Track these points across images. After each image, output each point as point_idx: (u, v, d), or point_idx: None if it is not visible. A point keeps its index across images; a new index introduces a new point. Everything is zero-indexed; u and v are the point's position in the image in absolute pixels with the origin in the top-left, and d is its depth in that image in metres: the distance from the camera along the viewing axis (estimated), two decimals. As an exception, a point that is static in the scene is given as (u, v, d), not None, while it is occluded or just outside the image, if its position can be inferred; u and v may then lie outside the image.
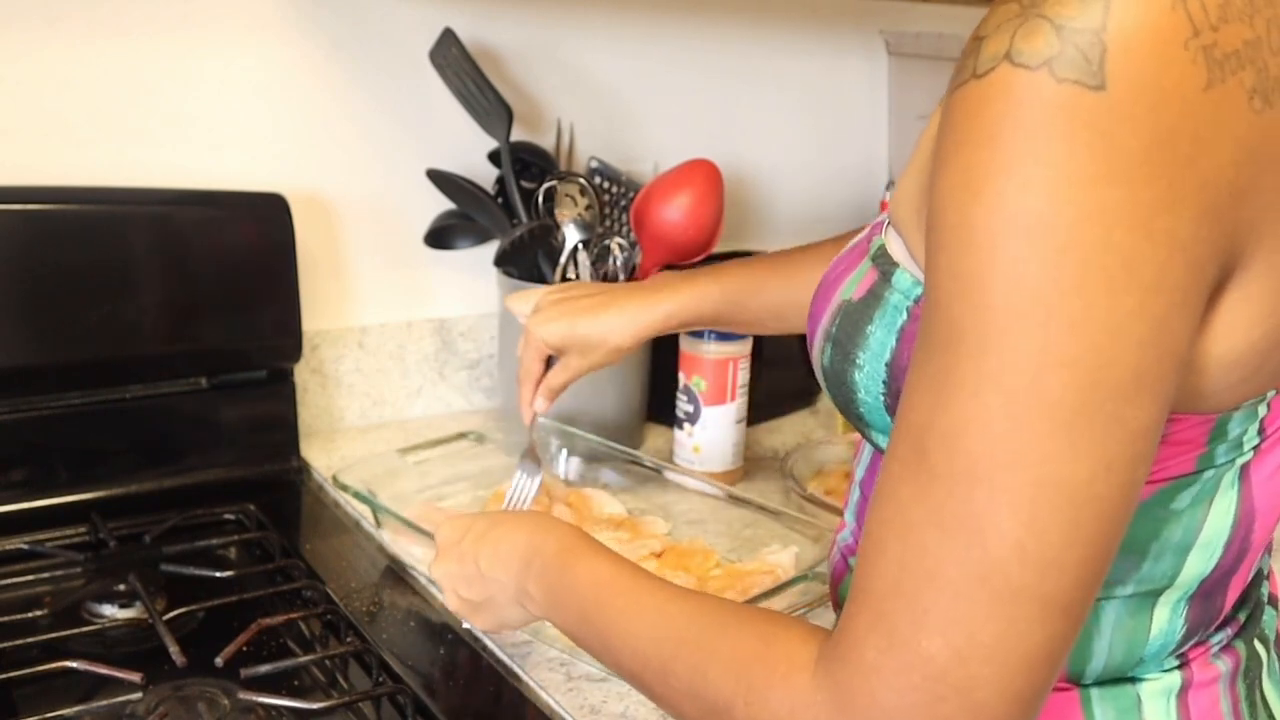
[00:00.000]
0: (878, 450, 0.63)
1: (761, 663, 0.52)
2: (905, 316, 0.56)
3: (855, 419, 0.61)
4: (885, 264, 0.58)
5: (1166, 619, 0.58)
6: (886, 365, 0.57)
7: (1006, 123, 0.43)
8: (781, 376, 1.43)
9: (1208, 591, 0.59)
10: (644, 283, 0.98)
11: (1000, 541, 0.44)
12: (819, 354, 0.62)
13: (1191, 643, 0.60)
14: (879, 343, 0.57)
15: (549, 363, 0.99)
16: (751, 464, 1.28)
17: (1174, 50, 0.42)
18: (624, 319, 0.94)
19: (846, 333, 0.59)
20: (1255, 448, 0.55)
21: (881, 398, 0.58)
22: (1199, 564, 0.57)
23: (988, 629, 0.44)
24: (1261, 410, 0.53)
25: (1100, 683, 0.59)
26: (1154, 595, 0.57)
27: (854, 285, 0.60)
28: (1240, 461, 0.55)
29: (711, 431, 1.21)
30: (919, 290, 0.55)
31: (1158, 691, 0.59)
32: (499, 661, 0.88)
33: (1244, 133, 0.44)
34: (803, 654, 0.51)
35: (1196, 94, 0.42)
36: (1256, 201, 0.45)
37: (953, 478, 0.45)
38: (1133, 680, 0.59)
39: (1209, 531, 0.56)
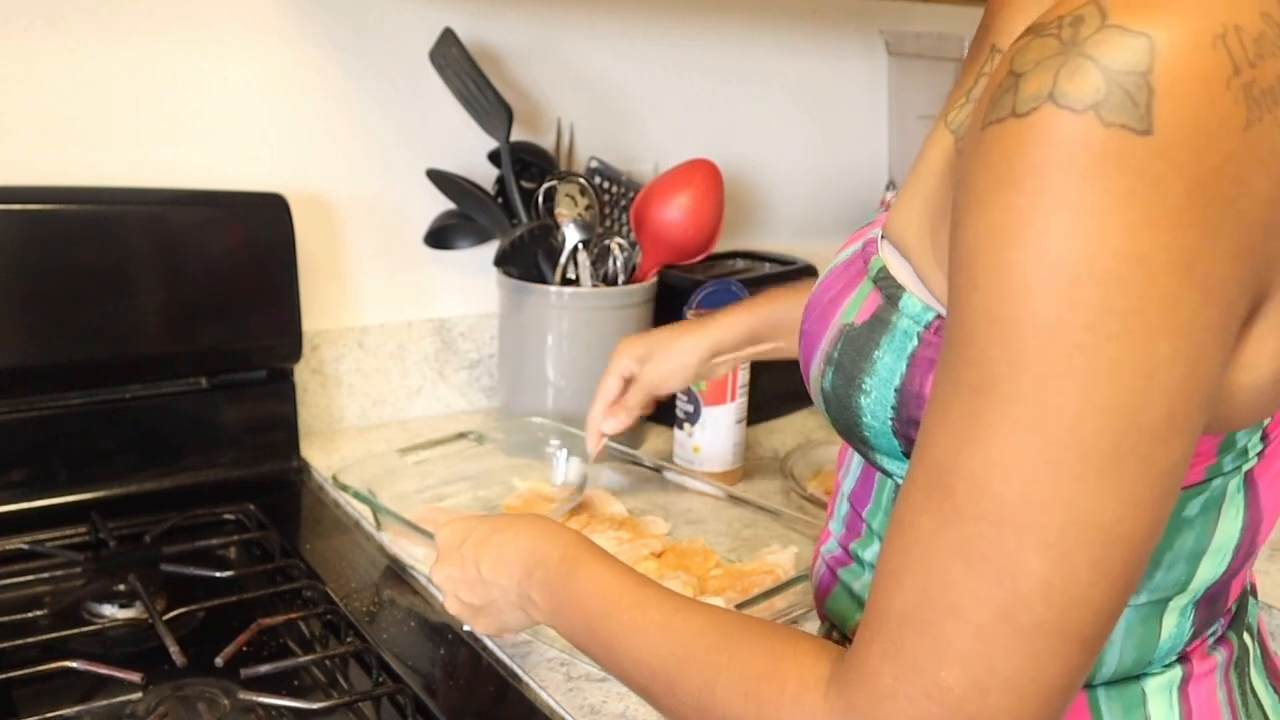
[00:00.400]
0: (880, 471, 0.63)
1: (771, 680, 0.52)
2: (916, 342, 0.55)
3: (858, 442, 0.61)
4: (890, 287, 0.58)
5: (1175, 623, 0.58)
6: (896, 391, 0.56)
7: (1051, 166, 0.42)
8: (781, 376, 1.42)
9: (1214, 594, 0.59)
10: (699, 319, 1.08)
11: (1028, 580, 0.44)
12: (818, 377, 0.62)
13: (1198, 640, 0.61)
14: (888, 368, 0.56)
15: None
16: (751, 464, 1.28)
17: (1217, 91, 0.41)
18: (691, 325, 1.05)
19: (850, 358, 0.58)
20: (1259, 453, 0.55)
21: (890, 423, 0.57)
22: (1210, 569, 0.57)
23: (1008, 662, 0.45)
24: (1266, 419, 0.54)
25: (1108, 683, 0.60)
26: (1165, 602, 0.58)
27: (855, 308, 0.59)
28: (1245, 468, 0.55)
29: (711, 431, 1.21)
30: (930, 315, 0.55)
31: (1161, 686, 0.60)
32: (499, 661, 0.88)
33: (1278, 170, 0.43)
34: (813, 673, 0.51)
35: (1238, 134, 0.42)
36: None
37: (981, 518, 0.45)
38: (1138, 677, 0.60)
39: (1220, 538, 0.56)
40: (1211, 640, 0.61)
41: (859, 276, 0.61)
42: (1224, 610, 0.61)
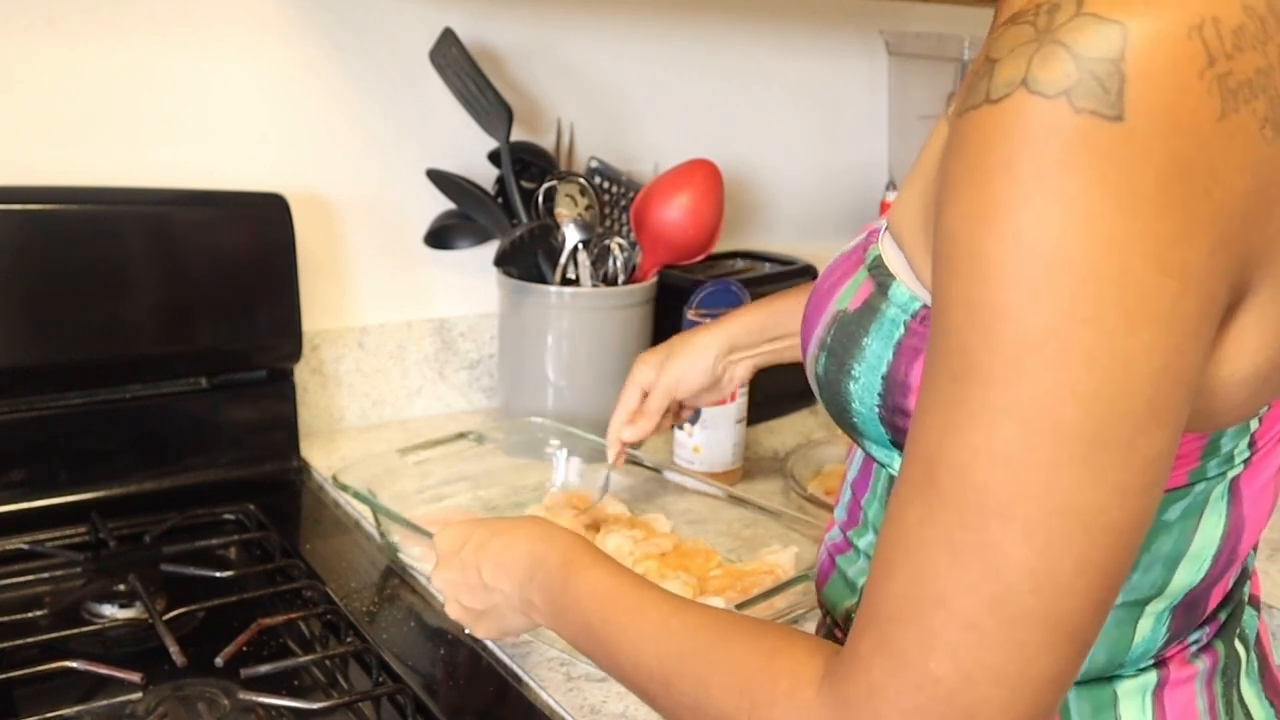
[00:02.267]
0: (873, 459, 0.63)
1: (765, 676, 0.52)
2: (902, 330, 0.56)
3: (849, 428, 0.61)
4: (882, 275, 0.58)
5: (1150, 627, 0.58)
6: (882, 378, 0.56)
7: (1023, 152, 0.42)
8: (781, 376, 1.42)
9: (1192, 601, 0.59)
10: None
11: (1013, 569, 0.44)
12: (813, 362, 0.62)
13: (1174, 645, 0.60)
14: (875, 355, 0.57)
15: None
16: (751, 464, 1.28)
17: (1191, 80, 0.42)
18: (711, 327, 1.04)
19: (841, 343, 0.59)
20: (1245, 460, 0.55)
21: (876, 410, 0.58)
22: (1187, 575, 0.57)
23: (996, 653, 0.44)
24: (1253, 425, 0.53)
25: (1079, 683, 0.60)
26: (1140, 605, 0.57)
27: (850, 295, 0.60)
28: (1230, 474, 0.55)
29: (712, 431, 1.21)
30: (917, 304, 0.55)
31: (1133, 689, 0.59)
32: (499, 661, 0.88)
33: (1254, 162, 0.43)
34: (808, 669, 0.50)
35: (1212, 124, 0.42)
36: (1266, 230, 0.45)
37: (965, 507, 0.45)
38: (1109, 679, 0.60)
39: (1199, 543, 0.56)
40: (1194, 648, 0.61)
41: (857, 265, 0.61)
42: (1202, 617, 0.60)
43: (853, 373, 0.58)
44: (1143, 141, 0.41)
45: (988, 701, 0.45)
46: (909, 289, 0.56)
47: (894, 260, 0.58)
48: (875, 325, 0.57)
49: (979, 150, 0.44)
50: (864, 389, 0.57)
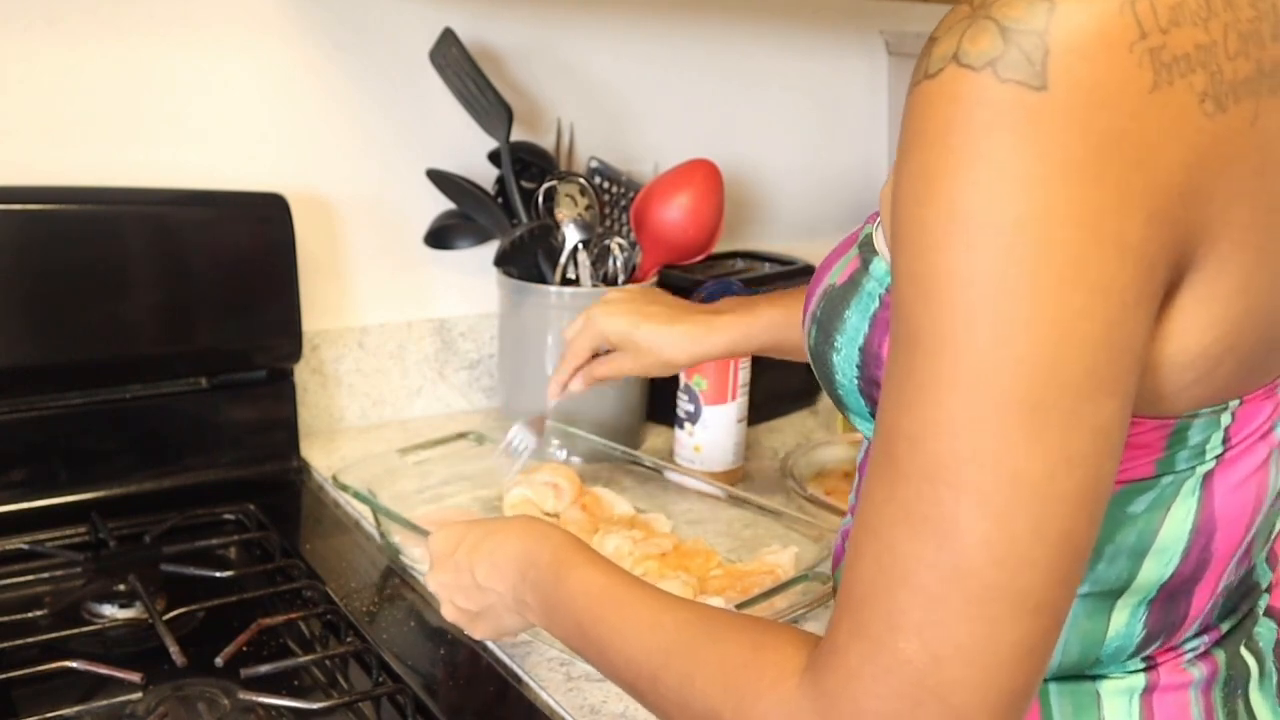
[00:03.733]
0: (862, 434, 0.64)
1: (750, 670, 0.51)
2: (878, 304, 0.57)
3: (836, 401, 0.63)
4: (868, 252, 0.60)
5: (1125, 622, 0.58)
6: (860, 350, 0.58)
7: (954, 124, 0.43)
8: (781, 376, 1.42)
9: (1168, 598, 0.58)
10: (710, 305, 1.00)
11: (968, 540, 0.44)
12: (807, 335, 0.63)
13: (1156, 645, 0.60)
14: (854, 327, 0.58)
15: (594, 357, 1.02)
16: (751, 464, 1.28)
17: (1118, 53, 0.42)
18: (686, 337, 0.96)
19: (828, 316, 0.60)
20: (1218, 456, 0.55)
21: (856, 381, 0.59)
22: (1155, 570, 0.57)
23: (962, 630, 0.44)
24: (1225, 419, 0.53)
25: (1058, 678, 0.59)
26: (1111, 597, 0.57)
27: (840, 271, 0.62)
28: (1201, 470, 0.55)
29: (712, 431, 1.21)
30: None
31: (1119, 690, 0.59)
32: (499, 661, 0.88)
33: (1194, 136, 0.44)
34: (793, 661, 0.50)
35: (1142, 96, 0.42)
36: (1209, 205, 0.45)
37: (920, 478, 0.45)
38: (1092, 678, 0.59)
39: (1165, 538, 0.56)
40: (1190, 655, 0.61)
41: (851, 243, 0.63)
42: (1184, 618, 0.60)
43: (835, 344, 0.59)
44: (1068, 111, 0.42)
45: (959, 682, 0.44)
46: (887, 263, 0.57)
47: (879, 238, 0.60)
48: (856, 298, 0.59)
49: (917, 123, 0.45)
50: (844, 360, 0.59)
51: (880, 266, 0.58)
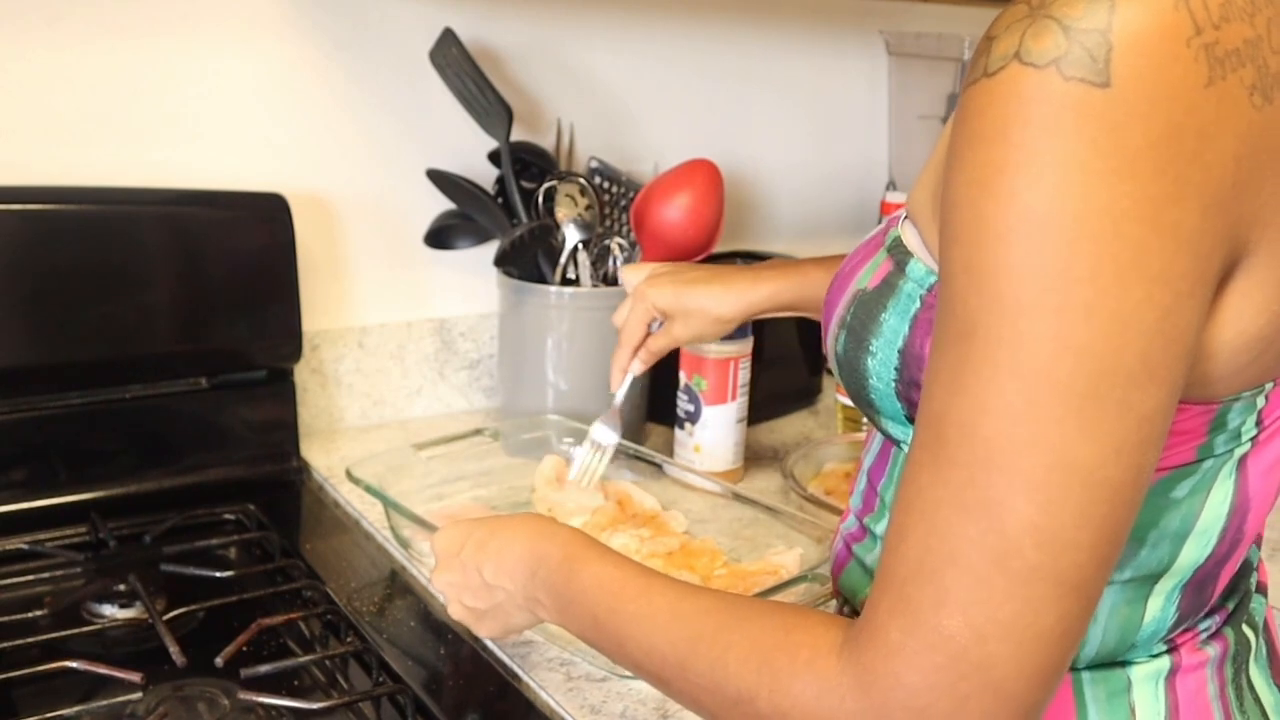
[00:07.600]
0: (888, 439, 0.64)
1: (783, 650, 0.52)
2: (919, 304, 0.58)
3: (866, 405, 0.63)
4: (900, 254, 0.60)
5: (1160, 606, 0.59)
6: (899, 352, 0.58)
7: (1016, 120, 0.44)
8: (781, 376, 1.43)
9: (1200, 580, 0.60)
10: (752, 266, 1.03)
11: (1016, 523, 0.45)
12: (833, 341, 0.63)
13: (1181, 629, 0.61)
14: (892, 330, 0.58)
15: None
16: (751, 464, 1.28)
17: (1177, 48, 0.44)
18: (733, 293, 1.00)
19: (861, 320, 0.61)
20: (1253, 439, 0.56)
21: (893, 384, 0.59)
22: (1194, 552, 0.58)
23: (1005, 608, 0.46)
24: (1260, 401, 0.55)
25: (1091, 666, 0.60)
26: (1150, 582, 0.58)
27: (869, 275, 0.62)
28: (1238, 452, 0.56)
29: (712, 431, 1.21)
30: (932, 279, 0.57)
31: (1147, 675, 0.60)
32: (499, 661, 0.88)
33: (1244, 128, 0.45)
34: (826, 639, 0.51)
35: (1198, 90, 0.44)
36: (1258, 195, 0.46)
37: (971, 463, 0.46)
38: (1124, 664, 0.60)
39: (1205, 520, 0.57)
40: (1205, 635, 0.62)
41: (877, 248, 0.63)
42: (1210, 599, 0.62)
43: (870, 348, 0.60)
44: (1130, 106, 0.43)
45: (1000, 657, 0.46)
46: (925, 265, 0.58)
47: (912, 240, 0.60)
48: (893, 301, 0.59)
49: (977, 121, 0.46)
50: (881, 364, 0.59)
51: (918, 268, 0.58)
